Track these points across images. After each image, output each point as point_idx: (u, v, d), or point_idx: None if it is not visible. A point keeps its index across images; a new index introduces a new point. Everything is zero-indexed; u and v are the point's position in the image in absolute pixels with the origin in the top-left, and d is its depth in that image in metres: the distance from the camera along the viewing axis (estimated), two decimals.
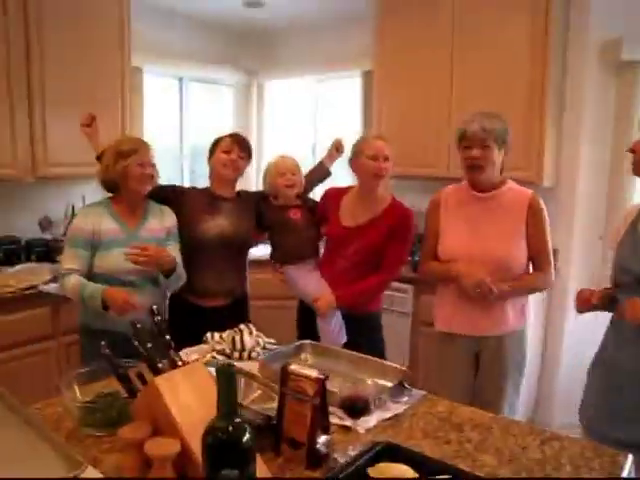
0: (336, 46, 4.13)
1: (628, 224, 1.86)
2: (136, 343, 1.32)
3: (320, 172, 2.64)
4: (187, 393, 1.23)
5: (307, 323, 2.45)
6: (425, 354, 3.16)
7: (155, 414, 1.21)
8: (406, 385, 1.61)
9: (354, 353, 1.85)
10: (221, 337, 2.01)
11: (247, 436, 0.95)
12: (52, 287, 2.90)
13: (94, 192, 3.71)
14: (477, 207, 2.18)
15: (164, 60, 4.04)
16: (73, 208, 3.50)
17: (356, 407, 1.29)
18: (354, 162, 2.38)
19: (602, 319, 1.92)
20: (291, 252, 2.51)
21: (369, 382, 1.31)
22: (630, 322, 1.69)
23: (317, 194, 2.69)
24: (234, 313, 2.38)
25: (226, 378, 0.94)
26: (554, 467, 1.27)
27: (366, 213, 2.39)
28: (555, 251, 3.28)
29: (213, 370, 1.04)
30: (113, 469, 1.26)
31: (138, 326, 1.30)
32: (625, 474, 1.26)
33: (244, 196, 2.56)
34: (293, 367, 1.31)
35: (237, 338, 1.94)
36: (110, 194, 2.34)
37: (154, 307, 1.37)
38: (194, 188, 2.58)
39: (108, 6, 3.32)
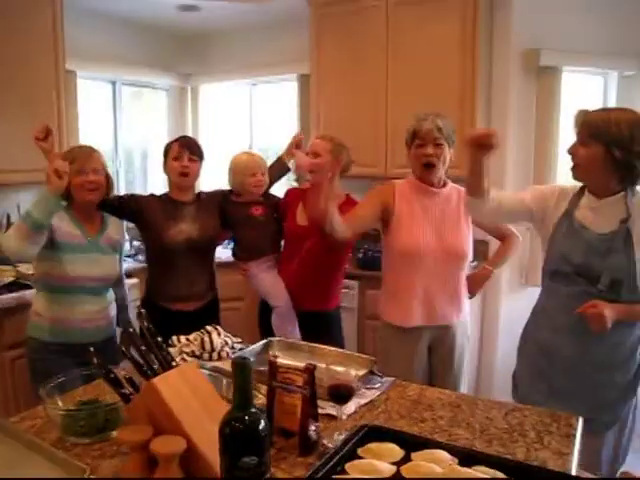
0: (271, 50, 4.21)
1: (562, 212, 1.89)
2: (123, 348, 1.36)
3: (279, 168, 2.67)
4: (185, 392, 1.27)
5: (267, 320, 2.52)
6: (372, 347, 3.30)
7: (155, 415, 1.24)
8: (376, 372, 1.73)
9: (320, 346, 1.93)
10: (187, 339, 2.04)
11: (262, 425, 1.02)
12: None
13: (29, 200, 3.58)
14: (434, 202, 2.26)
15: (97, 64, 3.96)
16: (8, 217, 3.39)
17: (342, 394, 1.38)
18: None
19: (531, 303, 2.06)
20: (252, 247, 2.56)
21: (351, 371, 1.40)
22: (595, 331, 1.74)
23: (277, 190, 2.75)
24: (206, 316, 2.40)
25: (242, 370, 1.01)
26: (520, 433, 1.43)
27: None
28: (486, 243, 3.54)
29: None
30: (112, 474, 1.28)
31: (130, 330, 1.33)
32: (578, 434, 1.43)
33: (204, 198, 2.58)
34: (280, 361, 1.39)
35: (206, 339, 1.98)
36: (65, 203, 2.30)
37: (142, 311, 1.41)
38: (153, 195, 2.57)
39: (41, 9, 3.23)
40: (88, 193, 2.23)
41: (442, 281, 2.25)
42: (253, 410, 1.02)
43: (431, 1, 3.23)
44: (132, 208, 2.43)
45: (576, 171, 1.85)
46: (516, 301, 3.39)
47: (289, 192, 2.66)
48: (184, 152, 2.43)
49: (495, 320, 3.53)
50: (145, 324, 1.37)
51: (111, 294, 2.40)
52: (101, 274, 2.27)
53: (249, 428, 1.01)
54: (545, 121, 3.34)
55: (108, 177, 2.33)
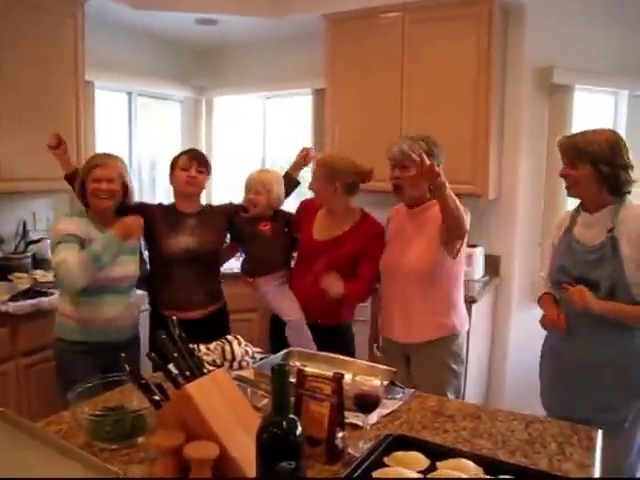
0: (286, 64, 4.27)
1: (563, 230, 2.11)
2: (153, 354, 1.38)
3: (288, 183, 2.70)
4: (217, 399, 1.30)
5: (279, 334, 2.52)
6: (382, 359, 3.32)
7: (187, 421, 1.26)
8: (397, 384, 1.75)
9: (340, 356, 1.96)
10: (208, 348, 2.06)
11: (299, 430, 1.05)
12: (10, 306, 2.83)
13: (44, 208, 3.66)
14: (408, 222, 2.36)
15: (114, 74, 4.02)
16: (25, 224, 3.43)
17: (368, 403, 1.41)
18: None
19: None
20: (259, 264, 2.59)
21: (376, 381, 1.43)
22: (577, 306, 1.93)
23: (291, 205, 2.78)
24: (211, 326, 2.44)
25: (281, 377, 1.04)
26: (542, 445, 1.45)
27: (335, 228, 2.48)
28: (498, 257, 3.57)
29: None
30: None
31: (163, 337, 1.36)
32: (598, 447, 1.45)
33: (209, 211, 2.62)
34: (309, 369, 1.42)
35: (227, 348, 2.01)
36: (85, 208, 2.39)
37: (173, 318, 1.43)
38: (159, 205, 2.63)
39: (62, 21, 3.29)
40: (100, 201, 2.29)
41: (404, 298, 2.31)
42: (290, 416, 1.05)
43: (446, 18, 3.28)
44: (143, 215, 2.46)
45: (571, 191, 2.06)
46: (526, 317, 3.41)
47: (303, 203, 2.68)
48: (192, 163, 2.49)
49: (505, 336, 3.55)
50: (176, 331, 1.40)
51: (135, 294, 2.46)
52: (123, 274, 2.33)
53: (286, 433, 1.04)
54: (556, 137, 3.37)
55: (125, 185, 2.37)
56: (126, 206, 2.43)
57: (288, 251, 2.62)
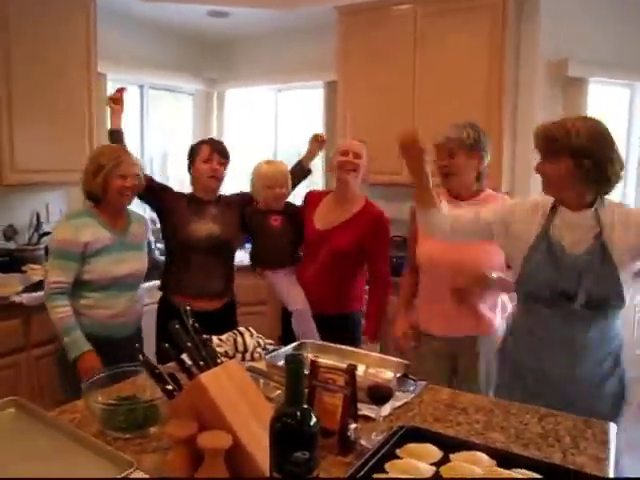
0: (298, 56, 4.26)
1: (537, 228, 1.80)
2: (166, 345, 1.39)
3: (300, 172, 2.70)
4: (230, 389, 1.30)
5: (291, 326, 2.54)
6: (394, 351, 3.31)
7: (200, 411, 1.26)
8: (410, 376, 1.75)
9: (352, 348, 1.96)
10: (220, 339, 2.07)
11: (313, 421, 1.05)
12: (24, 298, 2.86)
13: (57, 200, 3.69)
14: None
15: (126, 67, 4.03)
16: (38, 216, 3.45)
17: (381, 395, 1.41)
18: (331, 162, 2.50)
19: None
20: (267, 258, 2.60)
21: (389, 373, 1.43)
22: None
23: (298, 195, 2.78)
24: (223, 318, 2.45)
25: (295, 366, 1.03)
26: (555, 438, 1.44)
27: (338, 216, 2.47)
28: None
29: None
30: (154, 469, 1.31)
31: (177, 327, 1.36)
32: (612, 440, 1.44)
33: (225, 200, 2.63)
34: (322, 361, 1.42)
35: (239, 340, 2.01)
36: (91, 203, 2.36)
37: (187, 308, 1.43)
38: (176, 191, 2.63)
39: (75, 14, 3.32)
40: (124, 197, 2.30)
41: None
42: (304, 406, 1.05)
43: (459, 10, 3.26)
44: (164, 197, 2.51)
45: (548, 188, 1.77)
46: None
47: (308, 195, 2.68)
48: (214, 155, 2.48)
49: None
50: (190, 321, 1.40)
51: (140, 289, 2.46)
52: (130, 270, 2.33)
53: (300, 424, 1.03)
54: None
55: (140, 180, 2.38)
56: (150, 187, 2.45)
57: (297, 245, 2.62)
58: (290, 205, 2.65)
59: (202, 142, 2.57)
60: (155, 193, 2.51)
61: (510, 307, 2.30)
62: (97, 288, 2.27)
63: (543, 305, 1.80)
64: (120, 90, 2.58)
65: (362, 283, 2.64)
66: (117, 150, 2.37)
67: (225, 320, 2.41)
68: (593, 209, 1.72)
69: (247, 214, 2.61)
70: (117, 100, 2.56)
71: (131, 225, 2.40)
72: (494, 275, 2.15)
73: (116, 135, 2.53)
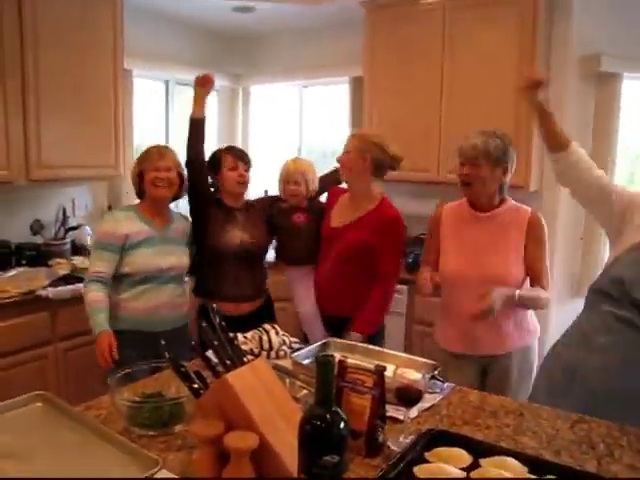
0: (323, 52, 4.23)
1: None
2: (193, 342, 1.38)
3: (333, 178, 2.66)
4: (257, 389, 1.28)
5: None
6: (419, 352, 3.27)
7: (227, 411, 1.25)
8: (438, 377, 1.71)
9: (379, 348, 1.94)
10: (245, 337, 2.06)
11: (343, 424, 1.03)
12: (50, 292, 2.89)
13: (83, 195, 3.72)
14: (476, 227, 2.20)
15: (152, 62, 4.04)
16: (64, 211, 3.49)
17: (410, 397, 1.38)
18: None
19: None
20: (291, 255, 2.61)
21: (418, 374, 1.40)
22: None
23: None
24: (258, 320, 2.43)
25: (325, 368, 1.01)
26: (589, 445, 1.40)
27: (353, 214, 2.42)
28: None
29: None
30: (180, 467, 1.30)
31: (203, 324, 1.35)
32: None
33: (252, 205, 2.64)
34: (350, 361, 1.39)
35: (264, 338, 2.00)
36: (138, 200, 2.44)
37: (214, 306, 1.42)
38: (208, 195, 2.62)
39: (102, 9, 3.33)
40: (160, 189, 2.33)
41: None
42: (334, 409, 1.03)
43: (489, 5, 3.19)
44: (205, 201, 2.51)
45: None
46: (565, 313, 3.32)
47: (331, 191, 2.64)
48: (239, 163, 2.50)
49: (543, 332, 3.45)
50: (217, 320, 1.39)
51: (184, 285, 2.49)
52: (171, 264, 2.36)
53: (330, 426, 1.02)
54: (604, 128, 3.28)
55: (181, 175, 2.41)
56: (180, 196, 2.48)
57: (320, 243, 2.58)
58: (316, 203, 2.64)
59: (224, 151, 2.57)
60: (204, 202, 2.51)
61: (537, 326, 2.25)
62: (138, 281, 2.31)
63: (607, 304, 1.73)
64: (206, 77, 2.50)
65: None
66: (154, 146, 2.45)
67: (260, 321, 2.40)
68: None
69: (272, 212, 2.63)
70: (206, 81, 2.50)
71: (173, 223, 2.45)
72: (517, 293, 2.07)
73: (196, 125, 2.48)
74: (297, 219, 2.56)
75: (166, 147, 2.47)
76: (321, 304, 2.51)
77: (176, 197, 2.44)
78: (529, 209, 2.20)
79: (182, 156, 2.46)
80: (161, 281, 2.34)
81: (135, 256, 2.29)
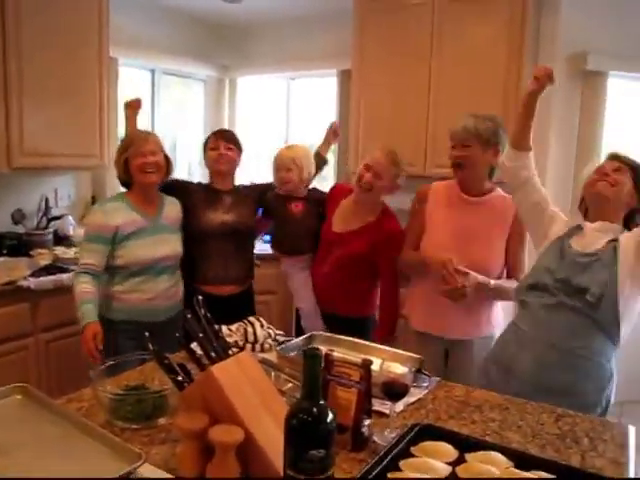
0: (312, 44, 4.20)
1: (558, 235, 1.94)
2: (177, 334, 1.36)
3: (318, 161, 2.66)
4: (242, 382, 1.27)
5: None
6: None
7: (211, 404, 1.23)
8: (423, 371, 1.71)
9: (365, 342, 1.93)
10: (230, 329, 2.04)
11: (330, 417, 1.02)
12: (31, 282, 2.84)
13: (66, 185, 3.67)
14: (464, 210, 2.22)
15: (138, 51, 3.99)
16: (47, 200, 3.43)
17: (396, 391, 1.37)
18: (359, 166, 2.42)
19: None
20: (286, 244, 2.58)
21: (404, 368, 1.39)
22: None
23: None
24: (240, 303, 2.47)
25: (313, 362, 1.00)
26: (573, 440, 1.41)
27: (355, 221, 2.42)
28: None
29: None
30: (163, 460, 1.28)
31: (188, 316, 1.33)
32: (632, 443, 1.40)
33: (242, 190, 2.63)
34: (337, 354, 1.38)
35: (249, 330, 1.99)
36: (124, 190, 2.40)
37: (200, 298, 1.40)
38: (198, 183, 2.66)
39: None
40: (148, 175, 2.28)
41: None
42: (321, 402, 1.02)
43: (478, 1, 3.18)
44: (176, 190, 2.49)
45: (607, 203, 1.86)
46: None
47: (335, 187, 2.63)
48: (220, 142, 2.49)
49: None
50: (202, 311, 1.37)
51: (176, 274, 2.45)
52: (165, 253, 2.34)
53: (317, 420, 1.01)
54: (589, 126, 3.29)
55: (167, 158, 2.37)
56: (165, 185, 2.44)
57: (316, 234, 2.56)
58: (314, 192, 2.61)
59: (211, 133, 2.61)
60: (179, 193, 2.50)
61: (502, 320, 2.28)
62: (132, 273, 2.28)
63: (538, 296, 1.85)
64: (137, 101, 2.62)
65: (377, 288, 2.58)
66: (135, 131, 2.44)
67: (241, 305, 2.42)
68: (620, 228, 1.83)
69: (268, 199, 2.59)
70: (134, 105, 2.59)
71: (164, 208, 2.40)
72: (492, 282, 2.13)
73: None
74: (294, 208, 2.52)
75: (147, 131, 2.42)
76: (319, 302, 2.50)
77: (164, 179, 2.40)
78: (510, 197, 2.21)
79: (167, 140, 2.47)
80: (155, 271, 2.31)
81: (128, 248, 2.25)
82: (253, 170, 3.93)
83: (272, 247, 2.67)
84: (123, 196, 2.35)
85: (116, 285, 2.29)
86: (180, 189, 2.52)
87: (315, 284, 2.51)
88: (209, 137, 2.57)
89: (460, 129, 2.16)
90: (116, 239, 2.24)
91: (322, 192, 2.64)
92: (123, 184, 2.37)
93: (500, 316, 2.30)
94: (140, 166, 2.26)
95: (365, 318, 2.52)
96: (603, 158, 2.00)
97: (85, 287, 2.20)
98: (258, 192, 2.63)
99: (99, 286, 2.27)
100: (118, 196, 2.39)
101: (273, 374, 1.60)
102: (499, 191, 2.26)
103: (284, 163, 2.49)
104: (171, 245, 2.37)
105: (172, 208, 2.44)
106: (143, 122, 4.22)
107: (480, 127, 2.13)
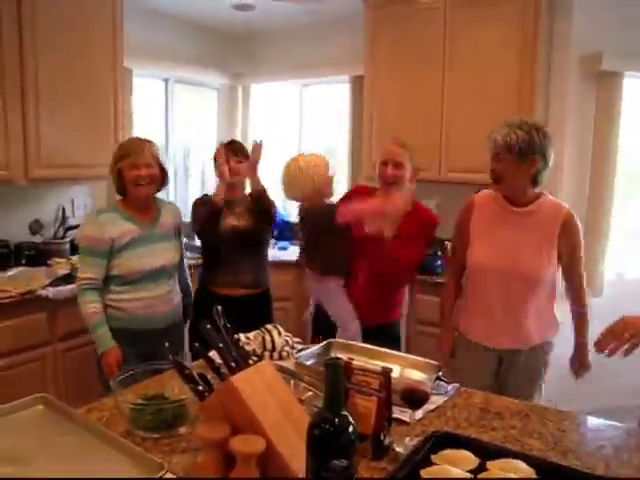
0: (324, 51, 4.21)
1: None
2: (197, 344, 1.36)
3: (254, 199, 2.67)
4: (262, 391, 1.27)
5: (324, 325, 2.42)
6: (422, 353, 3.26)
7: (232, 414, 1.23)
8: (443, 378, 1.70)
9: (382, 349, 1.92)
10: (247, 337, 2.04)
11: (351, 428, 1.02)
12: (50, 291, 2.87)
13: (82, 195, 3.70)
14: (510, 221, 2.13)
15: (151, 61, 4.02)
16: (64, 210, 3.47)
17: (417, 399, 1.37)
18: (377, 167, 2.35)
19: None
20: (332, 262, 2.35)
21: (424, 375, 1.39)
22: None
23: None
24: (255, 306, 2.54)
25: (334, 372, 1.00)
26: (596, 448, 1.39)
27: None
28: None
29: None
30: (183, 470, 1.29)
31: (208, 327, 1.33)
32: None
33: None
34: (357, 362, 1.38)
35: (267, 338, 1.99)
36: (120, 197, 2.36)
37: (219, 308, 1.40)
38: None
39: (101, 7, 3.29)
40: (141, 187, 2.25)
41: (508, 304, 2.12)
42: (343, 412, 1.02)
43: (490, 4, 3.18)
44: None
45: None
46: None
47: (357, 189, 2.59)
48: (229, 155, 2.58)
49: None
50: (221, 321, 1.37)
51: (175, 280, 2.46)
52: (160, 263, 2.32)
53: (339, 430, 1.01)
54: (604, 127, 3.27)
55: (163, 169, 2.34)
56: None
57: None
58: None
59: (219, 145, 2.67)
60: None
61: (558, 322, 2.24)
62: (128, 282, 2.27)
63: None
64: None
65: (405, 292, 2.58)
66: (131, 141, 2.38)
67: (256, 308, 2.46)
68: None
69: (310, 210, 2.36)
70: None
71: (161, 217, 2.38)
72: (586, 339, 2.18)
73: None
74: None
75: (143, 140, 2.31)
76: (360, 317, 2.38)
77: (159, 190, 2.38)
78: (565, 207, 2.13)
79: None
80: (152, 279, 2.30)
81: (124, 259, 2.24)
82: (267, 176, 3.93)
83: (308, 261, 2.42)
84: (117, 206, 2.32)
85: (113, 293, 2.28)
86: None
87: (353, 299, 2.38)
88: (217, 149, 2.63)
89: (492, 141, 2.05)
90: (112, 250, 2.23)
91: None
92: (119, 192, 2.33)
93: (557, 320, 2.24)
94: (133, 179, 2.22)
95: (395, 322, 2.50)
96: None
97: (93, 307, 2.20)
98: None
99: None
100: (112, 206, 2.35)
101: (292, 382, 1.59)
102: (548, 197, 2.15)
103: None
104: (167, 254, 2.34)
105: (169, 215, 2.40)
106: (158, 132, 4.30)
107: (511, 139, 1.99)
